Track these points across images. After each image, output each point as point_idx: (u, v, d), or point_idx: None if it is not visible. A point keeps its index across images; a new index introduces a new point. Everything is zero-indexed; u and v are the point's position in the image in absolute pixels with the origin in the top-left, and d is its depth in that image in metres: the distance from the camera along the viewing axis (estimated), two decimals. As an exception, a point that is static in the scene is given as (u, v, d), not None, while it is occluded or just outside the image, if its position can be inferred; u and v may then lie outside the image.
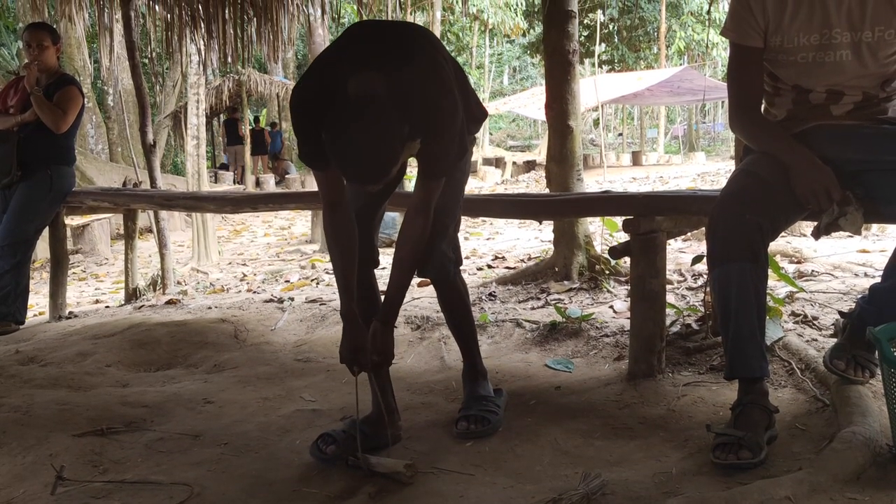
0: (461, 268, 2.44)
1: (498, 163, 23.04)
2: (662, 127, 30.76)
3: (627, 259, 2.70)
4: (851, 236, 5.28)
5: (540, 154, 22.35)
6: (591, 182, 7.20)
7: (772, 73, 2.26)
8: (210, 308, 4.41)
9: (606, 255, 4.20)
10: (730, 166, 14.55)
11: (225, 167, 20.48)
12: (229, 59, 5.73)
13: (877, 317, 2.12)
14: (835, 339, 2.55)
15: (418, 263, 2.19)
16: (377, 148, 1.82)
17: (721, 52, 22.39)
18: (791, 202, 2.12)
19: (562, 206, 3.24)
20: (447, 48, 2.42)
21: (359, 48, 2.03)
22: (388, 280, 2.15)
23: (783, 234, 6.24)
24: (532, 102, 20.07)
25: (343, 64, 1.98)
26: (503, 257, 6.25)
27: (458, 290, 2.43)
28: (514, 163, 22.57)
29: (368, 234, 2.25)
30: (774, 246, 5.16)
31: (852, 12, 2.09)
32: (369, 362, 2.10)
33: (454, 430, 2.26)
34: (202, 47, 5.69)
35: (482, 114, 2.33)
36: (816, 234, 2.13)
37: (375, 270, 2.34)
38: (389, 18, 6.08)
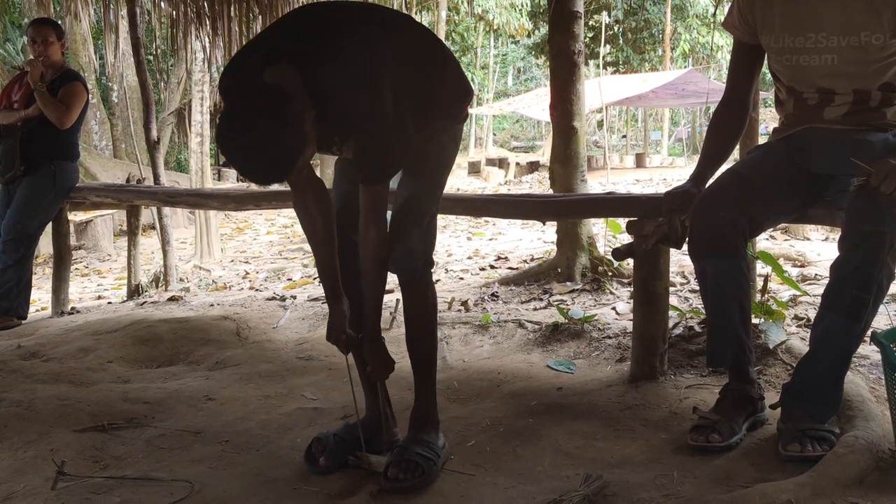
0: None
1: (501, 163, 23.02)
2: (666, 129, 30.74)
3: (630, 261, 2.70)
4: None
5: (544, 155, 22.34)
6: (594, 183, 7.19)
7: (775, 75, 2.26)
8: (212, 305, 4.41)
9: (609, 257, 4.19)
10: (733, 169, 14.49)
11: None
12: (234, 57, 5.73)
13: None
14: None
15: (385, 272, 2.01)
16: (263, 146, 1.69)
17: (725, 54, 22.34)
18: (776, 199, 2.17)
19: (565, 206, 3.24)
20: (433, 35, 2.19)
21: (284, 37, 1.90)
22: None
23: (787, 237, 6.22)
24: (536, 103, 20.05)
25: (260, 53, 1.84)
26: (506, 258, 6.24)
27: (424, 298, 2.06)
28: (517, 163, 22.54)
29: (352, 240, 2.05)
30: (778, 249, 5.16)
31: (838, 17, 2.07)
32: (347, 342, 2.03)
33: (382, 480, 1.91)
34: (207, 44, 5.70)
35: (465, 93, 2.12)
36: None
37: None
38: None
